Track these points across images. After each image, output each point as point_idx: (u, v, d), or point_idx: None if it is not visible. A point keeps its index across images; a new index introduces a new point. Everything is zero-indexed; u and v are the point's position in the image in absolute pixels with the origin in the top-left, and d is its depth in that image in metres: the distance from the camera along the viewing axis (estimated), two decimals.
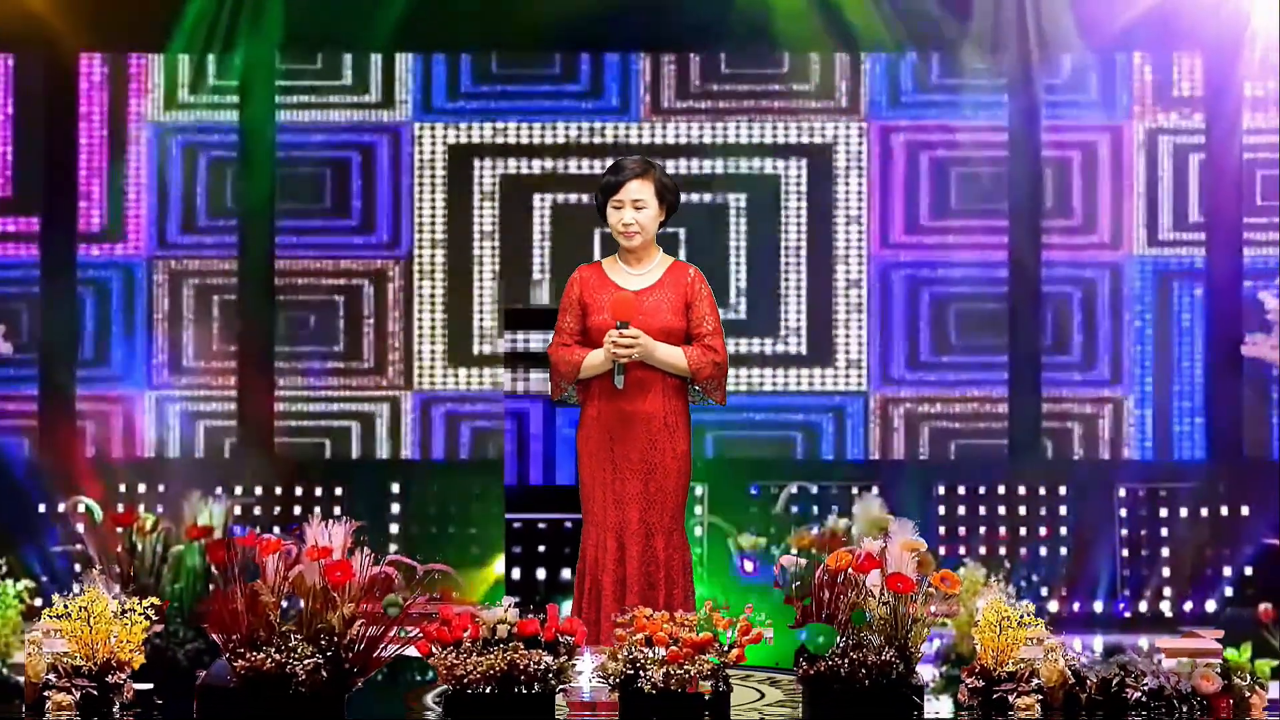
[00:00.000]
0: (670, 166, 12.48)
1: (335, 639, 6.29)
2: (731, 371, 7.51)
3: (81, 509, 11.24)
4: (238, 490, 12.10)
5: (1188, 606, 12.24)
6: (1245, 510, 12.34)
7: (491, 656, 6.25)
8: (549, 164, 13.24)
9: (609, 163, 7.88)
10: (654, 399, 7.28)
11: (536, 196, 13.27)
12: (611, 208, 7.34)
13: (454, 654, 6.29)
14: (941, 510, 12.51)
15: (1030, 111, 12.91)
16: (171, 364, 13.16)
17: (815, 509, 12.27)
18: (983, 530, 12.51)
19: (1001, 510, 12.55)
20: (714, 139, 13.21)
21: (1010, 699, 6.50)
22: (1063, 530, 12.49)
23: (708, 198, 13.18)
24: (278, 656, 6.23)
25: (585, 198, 13.05)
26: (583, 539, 7.35)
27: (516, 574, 11.05)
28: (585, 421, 7.36)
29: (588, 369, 7.29)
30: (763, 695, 6.96)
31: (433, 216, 13.32)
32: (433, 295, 13.28)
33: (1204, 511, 12.40)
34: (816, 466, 12.91)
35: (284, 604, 6.40)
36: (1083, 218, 13.25)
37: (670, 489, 7.27)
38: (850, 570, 6.42)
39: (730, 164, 13.22)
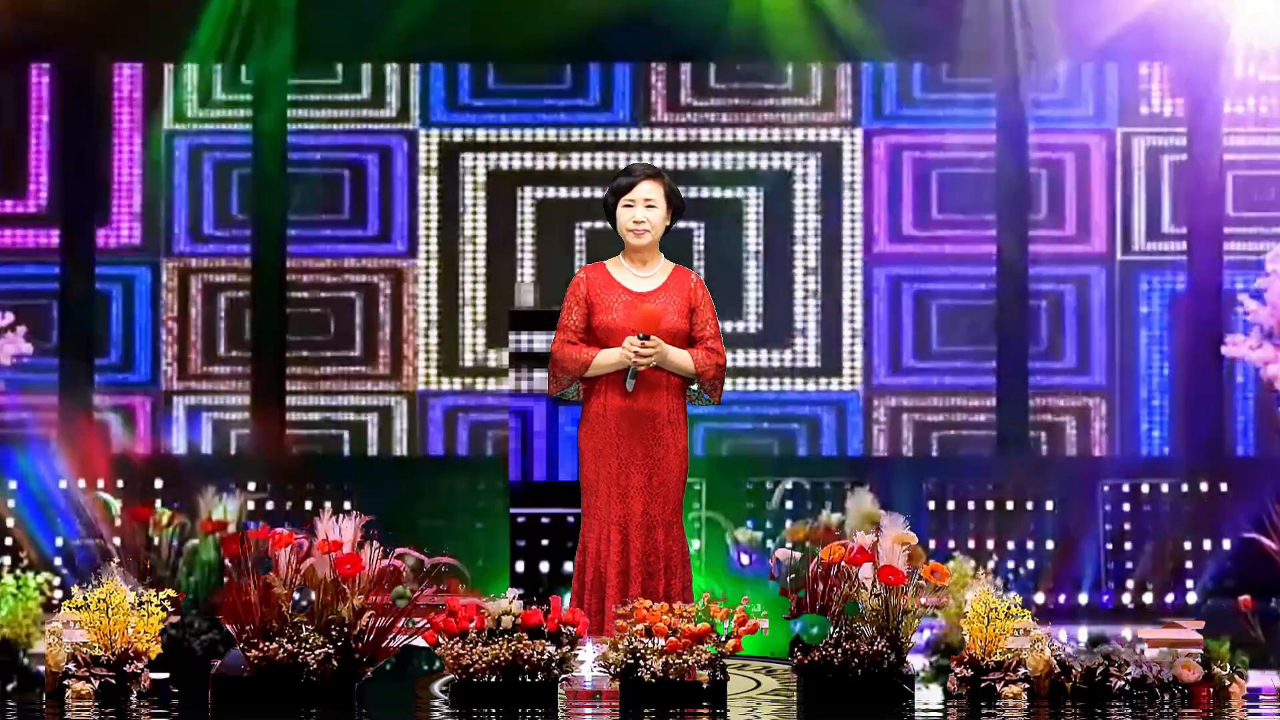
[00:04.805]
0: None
1: (345, 629, 6.40)
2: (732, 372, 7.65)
3: (100, 504, 11.36)
4: (251, 486, 12.19)
5: (1169, 598, 12.38)
6: (1225, 505, 12.47)
7: (496, 646, 6.39)
8: (552, 166, 13.37)
9: (611, 169, 7.98)
10: (659, 397, 7.43)
11: (533, 196, 13.39)
12: (623, 206, 7.48)
13: (460, 644, 6.42)
14: (931, 505, 12.61)
15: (1017, 119, 13.04)
16: (187, 364, 13.28)
17: (809, 504, 12.37)
18: (971, 524, 12.61)
19: (989, 505, 12.65)
20: (710, 143, 13.36)
21: (998, 687, 6.63)
22: (1048, 525, 12.60)
23: (706, 193, 13.32)
24: (290, 646, 6.35)
25: (587, 193, 13.18)
26: (583, 532, 7.46)
27: (520, 567, 11.13)
28: (589, 418, 7.49)
29: (599, 368, 7.43)
30: (759, 684, 7.06)
31: (438, 220, 13.44)
32: (440, 297, 13.40)
33: (1185, 506, 12.54)
34: (811, 463, 13.03)
35: (296, 596, 6.52)
36: (1068, 222, 13.38)
37: (672, 483, 7.42)
38: (843, 563, 6.52)
39: (726, 168, 13.36)
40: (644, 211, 7.47)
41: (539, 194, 13.42)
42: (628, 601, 6.65)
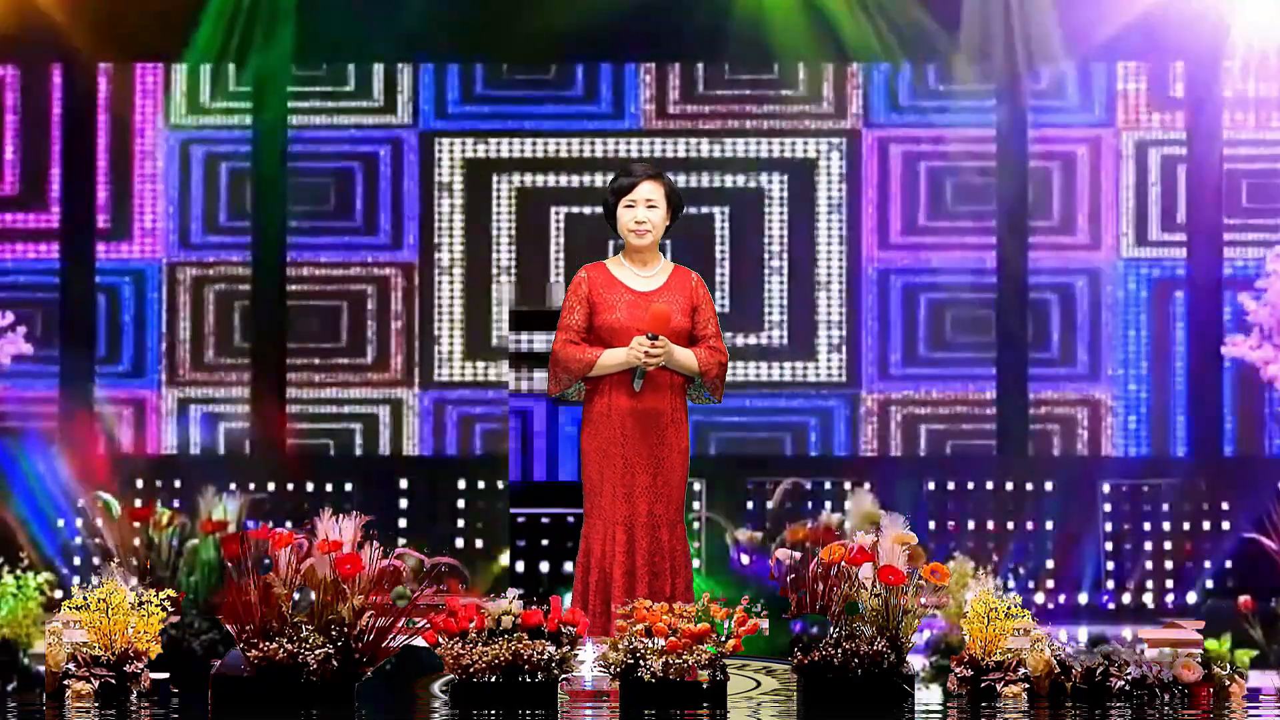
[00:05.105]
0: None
1: (345, 629, 6.41)
2: (733, 374, 7.66)
3: (100, 504, 11.38)
4: (251, 486, 12.20)
5: (1169, 598, 12.40)
6: (1225, 505, 12.50)
7: (496, 646, 6.39)
8: (559, 170, 13.38)
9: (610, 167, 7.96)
10: (663, 397, 7.44)
11: (508, 185, 13.40)
12: (624, 207, 7.50)
13: (460, 644, 6.42)
14: (931, 505, 12.63)
15: (1017, 119, 13.05)
16: (187, 364, 13.29)
17: (809, 504, 12.39)
18: (971, 525, 12.63)
19: (989, 506, 12.67)
20: (710, 147, 13.37)
21: (998, 687, 6.63)
22: (1049, 525, 12.62)
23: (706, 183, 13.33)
24: (290, 646, 6.36)
25: (576, 182, 13.20)
26: (586, 533, 7.46)
27: (520, 567, 11.14)
28: (592, 418, 7.49)
29: (603, 368, 7.42)
30: (759, 684, 7.06)
31: (438, 220, 13.45)
32: (439, 297, 13.40)
33: (1185, 506, 12.57)
34: (811, 463, 13.05)
35: (296, 596, 6.53)
36: (1068, 222, 13.39)
37: (675, 482, 7.43)
38: (843, 563, 6.52)
39: (732, 163, 13.37)
40: (645, 212, 7.48)
41: (526, 184, 13.42)
42: (629, 602, 6.65)
